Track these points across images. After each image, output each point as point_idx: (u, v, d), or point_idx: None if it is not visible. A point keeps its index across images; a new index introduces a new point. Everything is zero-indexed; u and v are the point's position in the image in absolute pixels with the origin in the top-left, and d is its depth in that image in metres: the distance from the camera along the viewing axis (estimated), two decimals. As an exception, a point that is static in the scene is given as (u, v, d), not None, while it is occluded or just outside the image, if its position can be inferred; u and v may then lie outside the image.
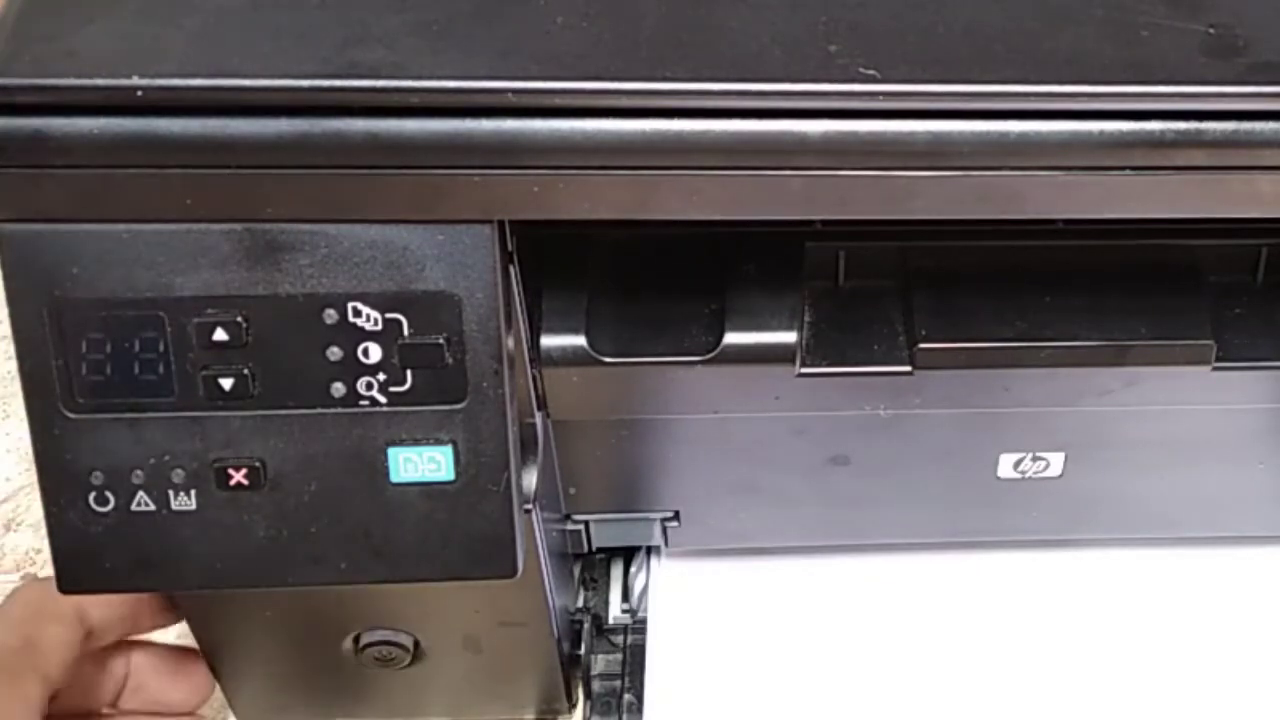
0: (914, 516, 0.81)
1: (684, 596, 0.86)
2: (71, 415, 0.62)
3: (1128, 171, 0.58)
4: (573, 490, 0.80)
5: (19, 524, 0.98)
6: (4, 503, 1.00)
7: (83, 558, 0.64)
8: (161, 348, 0.61)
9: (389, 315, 0.61)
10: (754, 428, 0.75)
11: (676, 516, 0.82)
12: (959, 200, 0.58)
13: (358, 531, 0.64)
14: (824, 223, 0.69)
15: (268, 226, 0.59)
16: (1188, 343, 0.70)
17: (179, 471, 0.63)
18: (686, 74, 0.55)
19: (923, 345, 0.69)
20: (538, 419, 0.71)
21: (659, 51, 0.56)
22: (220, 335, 0.61)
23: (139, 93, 0.55)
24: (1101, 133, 0.57)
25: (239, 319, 0.61)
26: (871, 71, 0.55)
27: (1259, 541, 0.87)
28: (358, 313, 0.61)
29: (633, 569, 0.90)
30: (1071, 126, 0.57)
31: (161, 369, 0.61)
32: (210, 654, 0.78)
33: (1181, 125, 0.57)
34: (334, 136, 0.56)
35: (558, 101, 0.55)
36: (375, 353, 0.62)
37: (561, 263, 0.70)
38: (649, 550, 0.89)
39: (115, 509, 0.62)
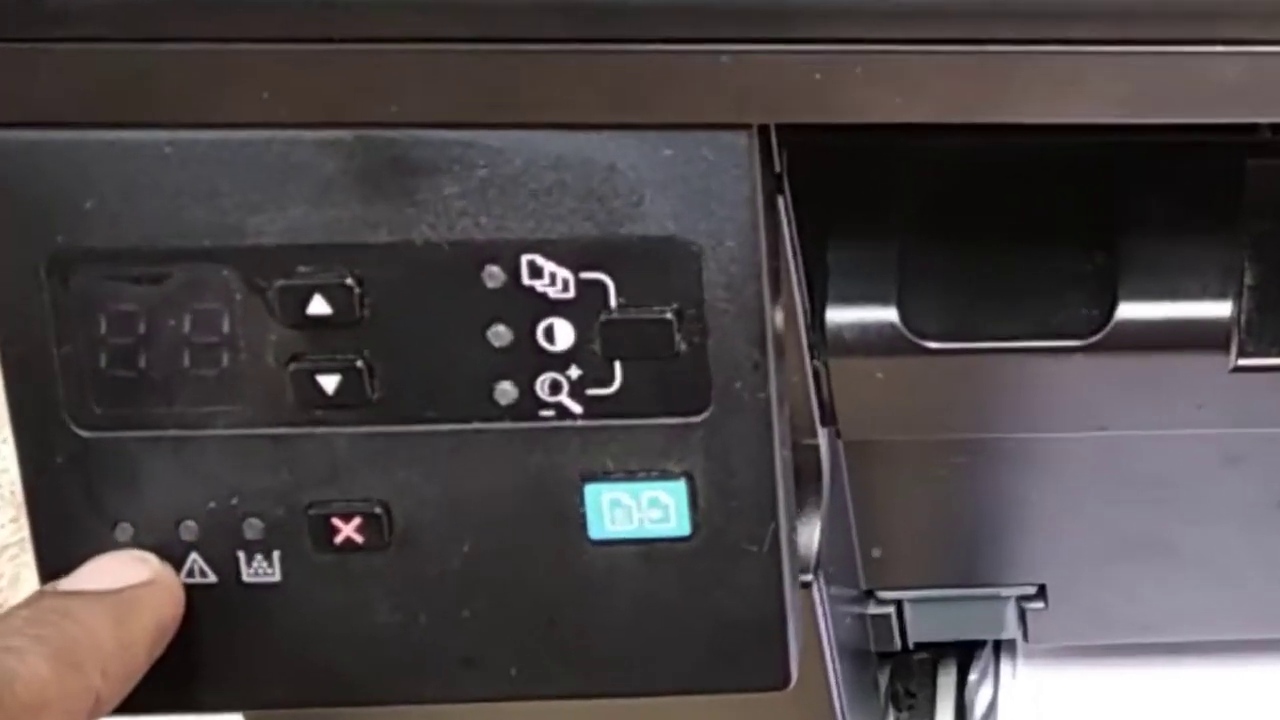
0: None
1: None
2: (83, 433, 0.52)
3: None
4: (877, 552, 0.70)
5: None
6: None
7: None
8: (226, 328, 0.51)
9: (585, 275, 0.51)
10: (1161, 453, 0.63)
11: (1041, 593, 0.71)
12: None
13: (538, 617, 0.54)
14: (1275, 129, 0.58)
15: (392, 134, 0.50)
16: None
17: (254, 522, 0.53)
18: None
19: None
20: (822, 439, 0.61)
21: None
22: (319, 307, 0.51)
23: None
24: None
25: (348, 281, 0.51)
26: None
27: None
28: (537, 271, 0.51)
29: (972, 676, 0.79)
30: None
31: (225, 360, 0.51)
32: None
33: None
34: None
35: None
36: (565, 335, 0.52)
37: (857, 196, 0.60)
38: (997, 647, 0.79)
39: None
